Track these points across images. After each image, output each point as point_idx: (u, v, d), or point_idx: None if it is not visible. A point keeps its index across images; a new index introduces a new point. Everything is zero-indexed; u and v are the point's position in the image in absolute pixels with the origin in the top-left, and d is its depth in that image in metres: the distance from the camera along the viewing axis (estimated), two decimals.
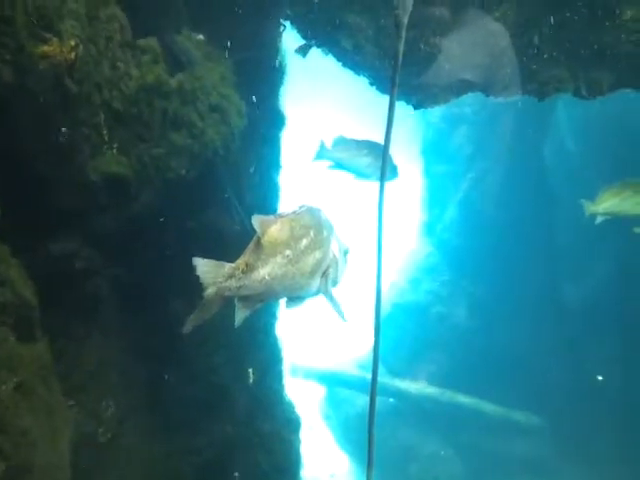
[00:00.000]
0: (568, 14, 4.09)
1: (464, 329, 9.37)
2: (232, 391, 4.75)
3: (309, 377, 9.56)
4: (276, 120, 5.23)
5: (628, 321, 8.03)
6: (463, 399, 8.94)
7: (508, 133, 8.72)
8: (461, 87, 4.62)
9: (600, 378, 7.93)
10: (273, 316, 5.25)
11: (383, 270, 2.24)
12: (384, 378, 8.81)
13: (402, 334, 9.65)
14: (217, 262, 2.20)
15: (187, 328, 2.22)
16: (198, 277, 2.17)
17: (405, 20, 2.03)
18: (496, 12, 4.25)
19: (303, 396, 7.73)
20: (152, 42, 3.84)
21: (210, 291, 2.18)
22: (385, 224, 2.24)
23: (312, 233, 2.33)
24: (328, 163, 5.19)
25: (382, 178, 2.31)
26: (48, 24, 3.23)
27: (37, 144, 3.33)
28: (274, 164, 5.29)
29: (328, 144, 5.11)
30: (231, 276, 2.20)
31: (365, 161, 5.10)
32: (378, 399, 2.21)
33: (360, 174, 5.15)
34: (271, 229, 2.25)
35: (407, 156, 10.61)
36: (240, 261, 2.23)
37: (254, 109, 4.75)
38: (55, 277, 3.50)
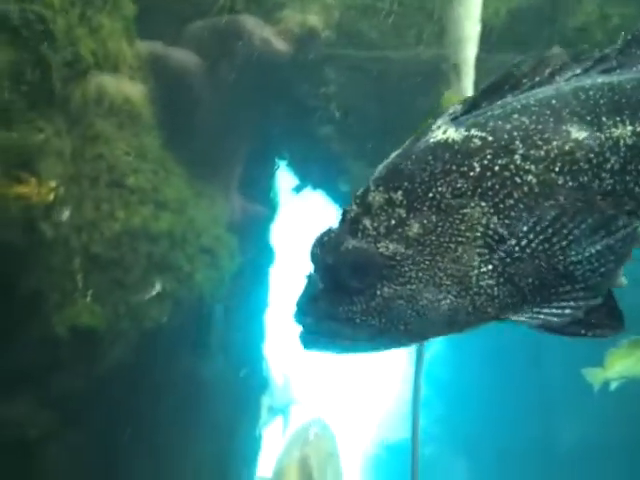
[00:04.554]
0: None
1: (454, 471, 8.65)
2: None
3: None
4: (265, 256, 4.94)
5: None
6: None
7: None
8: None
9: None
10: None
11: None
12: None
13: None
14: None
15: None
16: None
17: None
18: None
19: None
20: (142, 180, 3.59)
21: None
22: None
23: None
24: None
25: None
26: (26, 162, 2.97)
27: None
28: (261, 302, 4.93)
29: None
30: None
31: None
32: None
33: None
34: None
35: None
36: None
37: (244, 246, 4.47)
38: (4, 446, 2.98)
